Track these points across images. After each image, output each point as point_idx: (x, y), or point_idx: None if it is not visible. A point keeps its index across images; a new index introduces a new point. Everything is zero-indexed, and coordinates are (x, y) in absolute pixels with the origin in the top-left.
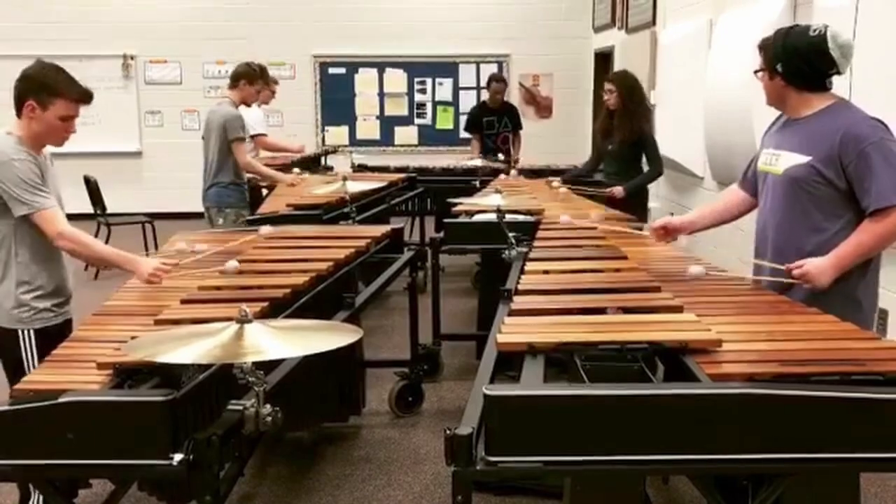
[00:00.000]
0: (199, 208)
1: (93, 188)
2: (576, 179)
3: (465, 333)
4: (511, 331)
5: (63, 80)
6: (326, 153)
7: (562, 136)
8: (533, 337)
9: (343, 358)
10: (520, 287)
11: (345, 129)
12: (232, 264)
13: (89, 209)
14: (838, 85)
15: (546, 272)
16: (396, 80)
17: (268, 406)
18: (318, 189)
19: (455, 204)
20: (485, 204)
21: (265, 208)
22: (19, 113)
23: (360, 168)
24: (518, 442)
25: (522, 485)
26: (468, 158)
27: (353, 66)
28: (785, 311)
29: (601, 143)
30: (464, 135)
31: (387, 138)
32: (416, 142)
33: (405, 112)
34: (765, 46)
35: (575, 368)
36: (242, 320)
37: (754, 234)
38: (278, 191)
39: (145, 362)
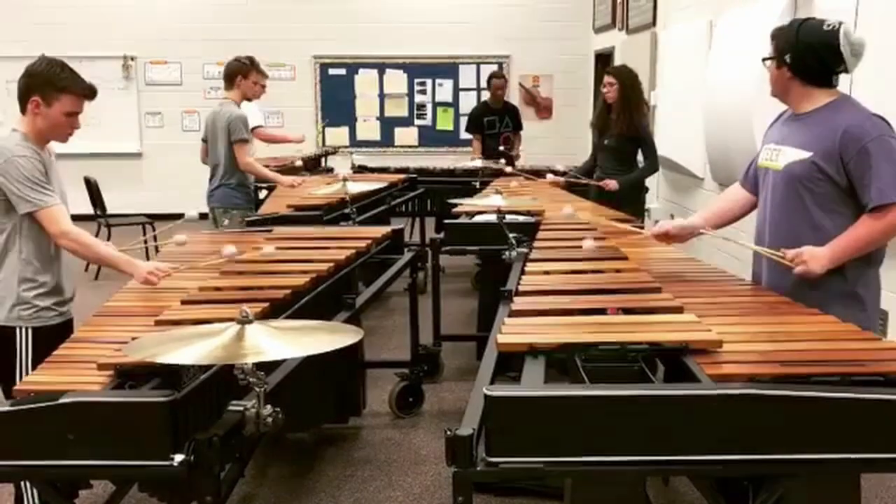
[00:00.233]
0: (200, 209)
1: (93, 189)
2: (576, 178)
3: (465, 334)
4: (511, 331)
5: (68, 76)
6: (327, 154)
7: (562, 137)
8: (533, 338)
9: (343, 359)
10: (520, 288)
11: (345, 130)
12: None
13: (89, 210)
14: (839, 84)
15: (546, 273)
16: (396, 80)
17: (268, 407)
18: (319, 190)
19: (455, 205)
20: (485, 205)
21: (266, 209)
22: (24, 109)
23: (361, 169)
24: (519, 442)
25: (523, 485)
26: (470, 159)
27: (353, 67)
28: (785, 311)
29: (597, 138)
30: (464, 136)
31: (387, 139)
32: (416, 143)
33: (405, 113)
34: (776, 35)
35: (575, 369)
36: (243, 321)
37: (755, 229)
38: (279, 192)
39: (146, 363)
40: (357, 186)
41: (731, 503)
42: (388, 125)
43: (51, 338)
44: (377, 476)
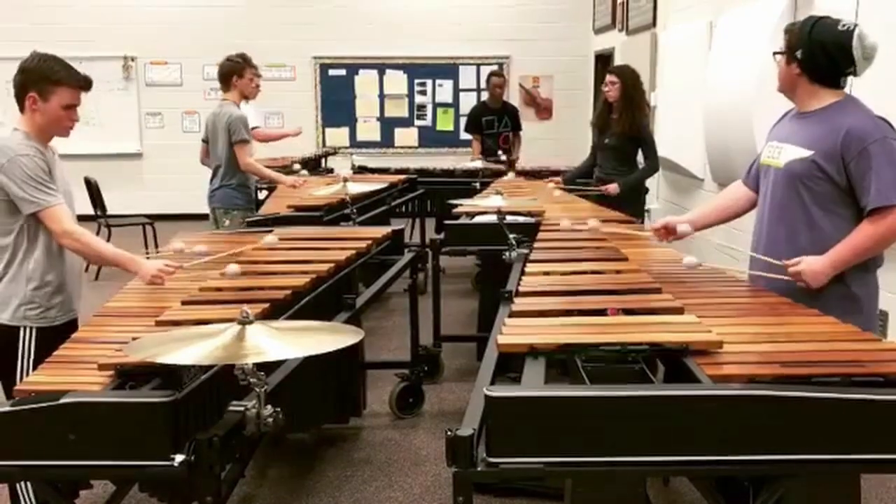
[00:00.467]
0: (200, 209)
1: (93, 189)
2: (573, 179)
3: (465, 335)
4: (512, 332)
5: (61, 69)
6: (327, 155)
7: (562, 138)
8: (534, 338)
9: (344, 359)
10: (520, 288)
11: (345, 131)
12: (233, 268)
13: (90, 210)
14: (846, 86)
15: (547, 273)
16: (397, 81)
17: (269, 407)
18: (319, 190)
19: (455, 205)
20: (485, 205)
21: (266, 209)
22: (22, 108)
23: (361, 170)
24: (519, 443)
25: (523, 486)
26: (470, 160)
27: (353, 68)
28: (786, 312)
29: (597, 137)
30: (464, 136)
31: (387, 140)
32: (416, 143)
33: (405, 114)
34: (790, 30)
35: (576, 370)
36: (244, 321)
37: (753, 226)
38: (279, 192)
39: (146, 363)
40: (357, 187)
41: (730, 503)
42: (389, 126)
43: (55, 338)
44: (377, 476)
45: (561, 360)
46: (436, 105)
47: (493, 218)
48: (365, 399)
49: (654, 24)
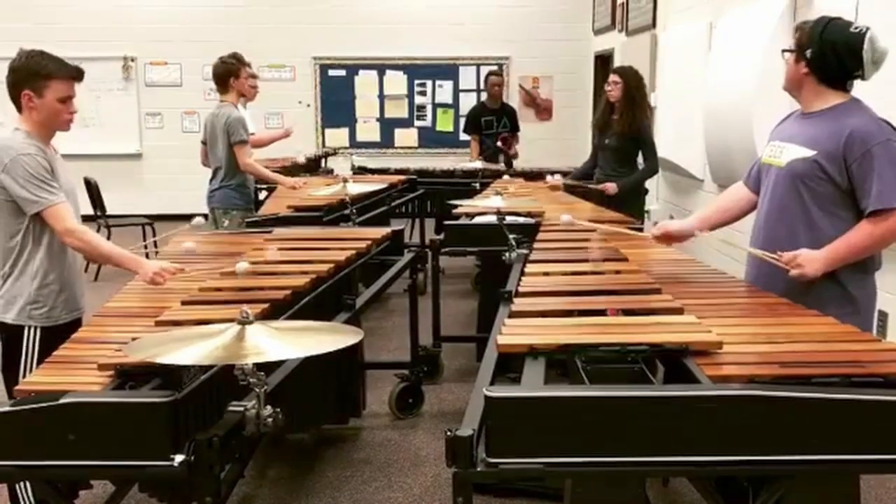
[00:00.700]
0: (200, 210)
1: (93, 190)
2: (576, 180)
3: (465, 335)
4: (512, 332)
5: (50, 63)
6: (327, 155)
7: (561, 139)
8: (533, 338)
9: (343, 359)
10: (520, 289)
11: (345, 132)
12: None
13: (89, 211)
14: (853, 89)
15: (546, 274)
16: (396, 82)
17: (268, 407)
18: (319, 191)
19: (455, 206)
20: (485, 206)
21: (266, 210)
22: (19, 107)
23: (361, 170)
24: (519, 443)
25: (523, 486)
26: (469, 160)
27: (353, 69)
28: (785, 313)
29: (598, 138)
30: (464, 137)
31: (387, 140)
32: (416, 144)
33: (405, 114)
34: (801, 28)
35: (576, 370)
36: (243, 321)
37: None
38: (279, 192)
39: (146, 363)
40: (357, 187)
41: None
42: (388, 126)
43: (59, 336)
44: (377, 477)
45: (561, 361)
46: (435, 106)
47: (492, 218)
48: (364, 399)
49: (653, 24)
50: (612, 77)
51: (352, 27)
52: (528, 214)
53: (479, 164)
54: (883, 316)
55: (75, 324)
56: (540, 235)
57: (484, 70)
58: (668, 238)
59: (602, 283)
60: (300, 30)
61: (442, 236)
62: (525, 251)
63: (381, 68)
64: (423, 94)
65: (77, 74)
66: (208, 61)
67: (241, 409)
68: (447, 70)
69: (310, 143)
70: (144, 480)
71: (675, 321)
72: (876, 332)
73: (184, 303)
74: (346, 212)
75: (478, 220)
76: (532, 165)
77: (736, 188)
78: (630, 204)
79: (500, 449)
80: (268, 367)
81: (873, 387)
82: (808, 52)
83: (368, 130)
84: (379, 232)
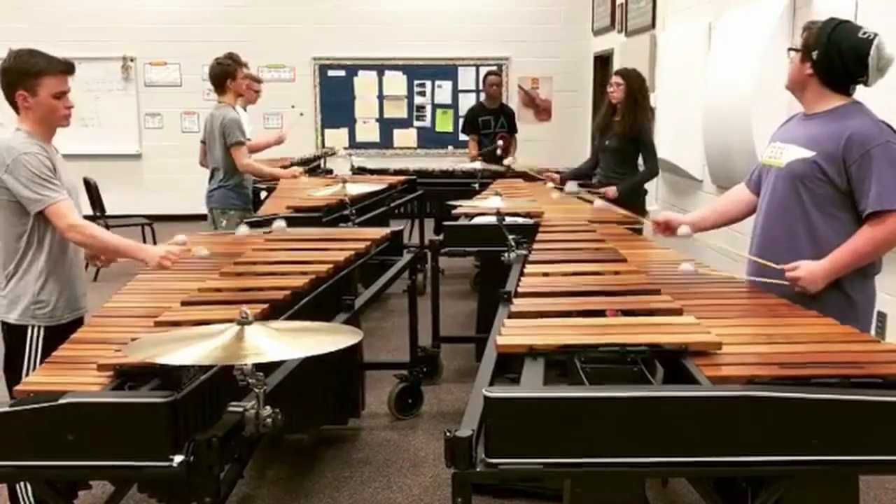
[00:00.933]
0: (199, 210)
1: (92, 190)
2: (570, 179)
3: (464, 336)
4: (511, 333)
5: (40, 59)
6: (326, 155)
7: (561, 140)
8: (533, 339)
9: (343, 360)
10: (519, 289)
11: (344, 132)
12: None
13: (89, 211)
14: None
15: (546, 274)
16: (396, 82)
17: (268, 408)
18: (318, 191)
19: (454, 206)
20: (484, 206)
21: (265, 210)
22: (16, 108)
23: (360, 170)
24: (518, 444)
25: (522, 487)
26: (469, 160)
27: (352, 69)
28: (784, 313)
29: (599, 139)
30: (463, 137)
31: (386, 141)
32: (415, 144)
33: (405, 115)
34: (809, 28)
35: (575, 371)
36: (243, 322)
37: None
38: (278, 193)
39: (146, 364)
40: (356, 188)
41: None
42: (388, 127)
43: (62, 336)
44: (376, 477)
45: (560, 361)
46: (435, 106)
47: (492, 219)
48: (364, 400)
49: (653, 25)
50: (615, 78)
51: (351, 28)
52: (528, 215)
53: (478, 165)
54: (882, 317)
55: (77, 323)
56: (539, 236)
57: (483, 70)
58: (667, 226)
59: (601, 284)
60: (300, 30)
61: (441, 237)
62: (524, 252)
63: (380, 69)
64: (422, 94)
65: (68, 68)
66: (208, 61)
67: (241, 409)
68: (446, 70)
69: (309, 144)
70: (144, 481)
71: (675, 322)
72: (875, 333)
73: (183, 303)
74: (346, 212)
75: (477, 220)
76: (531, 166)
77: (737, 190)
78: (630, 205)
79: (500, 449)
80: (267, 368)
81: (872, 387)
82: (815, 54)
83: (368, 131)
84: (378, 232)
